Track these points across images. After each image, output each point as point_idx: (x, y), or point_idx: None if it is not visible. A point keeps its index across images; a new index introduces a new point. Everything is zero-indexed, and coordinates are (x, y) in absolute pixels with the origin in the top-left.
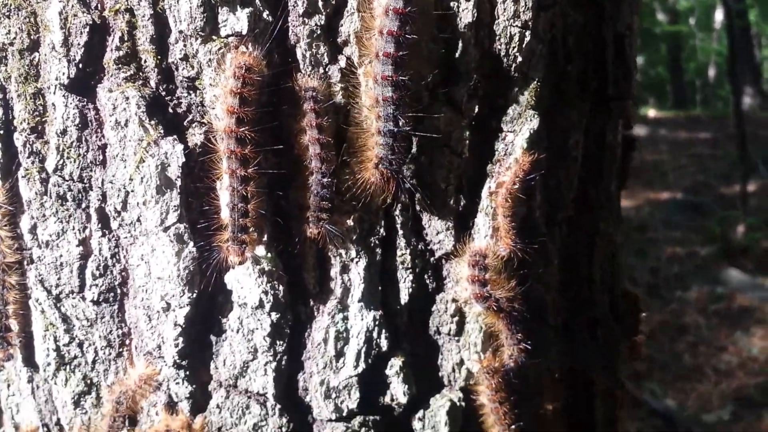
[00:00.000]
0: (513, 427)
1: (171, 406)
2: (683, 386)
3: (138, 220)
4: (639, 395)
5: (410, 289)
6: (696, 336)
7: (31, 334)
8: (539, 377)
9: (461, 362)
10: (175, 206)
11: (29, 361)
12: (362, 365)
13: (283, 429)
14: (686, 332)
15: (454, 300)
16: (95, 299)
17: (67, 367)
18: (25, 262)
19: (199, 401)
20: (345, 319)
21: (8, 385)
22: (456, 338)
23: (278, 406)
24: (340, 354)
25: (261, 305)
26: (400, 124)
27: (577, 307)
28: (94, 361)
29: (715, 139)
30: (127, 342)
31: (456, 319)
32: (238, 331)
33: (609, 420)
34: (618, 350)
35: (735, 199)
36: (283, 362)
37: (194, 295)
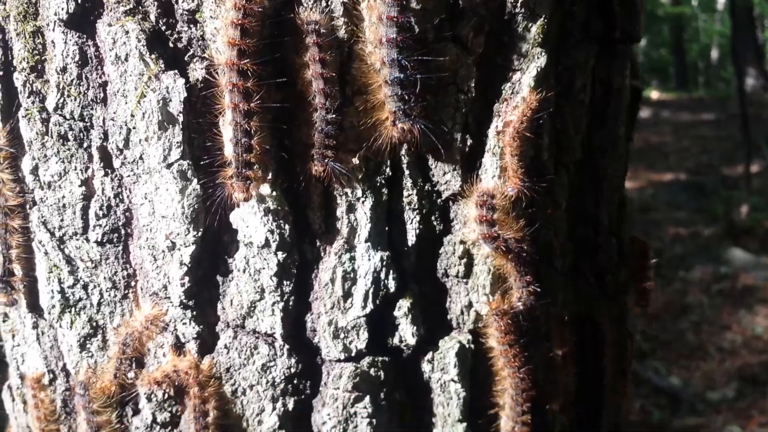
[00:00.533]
0: (522, 369)
1: (178, 348)
2: (687, 365)
3: (140, 157)
4: (643, 373)
5: (417, 231)
6: (700, 315)
7: (35, 279)
8: (548, 322)
9: (470, 305)
10: (177, 143)
11: (34, 307)
12: (370, 306)
13: (292, 370)
14: (690, 312)
15: (461, 242)
16: (99, 240)
17: (72, 309)
18: (28, 206)
19: (207, 342)
20: (352, 259)
21: (12, 336)
22: (464, 280)
23: (287, 346)
24: (347, 294)
25: (267, 244)
26: (408, 71)
27: (585, 252)
28: (99, 303)
29: (718, 121)
30: (133, 283)
31: (464, 261)
32: (244, 271)
33: (619, 370)
34: (626, 298)
35: (738, 179)
36: (291, 302)
37: (199, 233)
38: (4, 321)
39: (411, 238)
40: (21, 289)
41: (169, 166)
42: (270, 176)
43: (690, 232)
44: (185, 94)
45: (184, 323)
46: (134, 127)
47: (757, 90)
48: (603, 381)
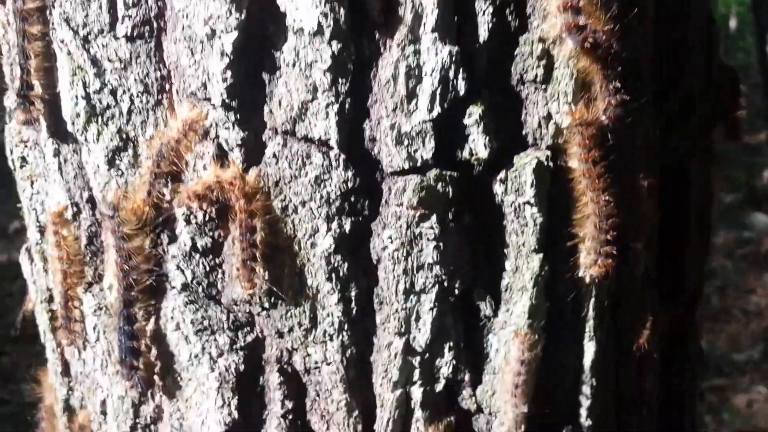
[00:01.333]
0: (608, 192)
1: (220, 158)
2: (712, 327)
3: None
4: None
5: (490, 25)
6: (723, 279)
7: (56, 97)
8: (634, 145)
9: (548, 116)
10: None
11: (55, 132)
12: (437, 109)
13: (349, 184)
14: (714, 276)
15: (541, 39)
16: (128, 34)
17: (99, 118)
18: (48, 10)
19: (253, 153)
20: (416, 53)
21: (32, 183)
22: (542, 87)
23: (343, 156)
24: (412, 95)
25: (320, 31)
26: None
27: (671, 80)
28: (129, 111)
29: None
30: (167, 87)
31: (543, 62)
32: (294, 66)
33: (702, 215)
34: (712, 132)
35: (760, 147)
36: (347, 105)
37: (242, 15)
38: (21, 167)
39: (483, 33)
40: (41, 109)
41: None
42: None
43: None
44: None
45: (227, 128)
46: None
47: None
48: (687, 225)
